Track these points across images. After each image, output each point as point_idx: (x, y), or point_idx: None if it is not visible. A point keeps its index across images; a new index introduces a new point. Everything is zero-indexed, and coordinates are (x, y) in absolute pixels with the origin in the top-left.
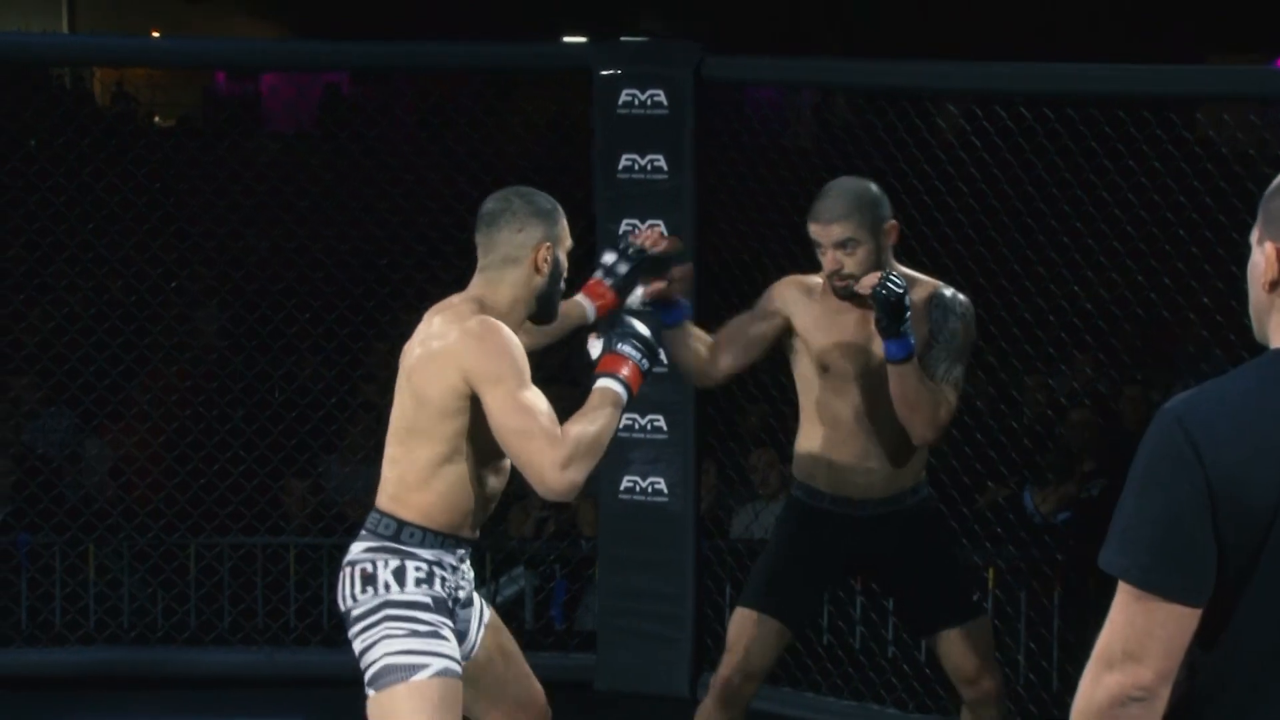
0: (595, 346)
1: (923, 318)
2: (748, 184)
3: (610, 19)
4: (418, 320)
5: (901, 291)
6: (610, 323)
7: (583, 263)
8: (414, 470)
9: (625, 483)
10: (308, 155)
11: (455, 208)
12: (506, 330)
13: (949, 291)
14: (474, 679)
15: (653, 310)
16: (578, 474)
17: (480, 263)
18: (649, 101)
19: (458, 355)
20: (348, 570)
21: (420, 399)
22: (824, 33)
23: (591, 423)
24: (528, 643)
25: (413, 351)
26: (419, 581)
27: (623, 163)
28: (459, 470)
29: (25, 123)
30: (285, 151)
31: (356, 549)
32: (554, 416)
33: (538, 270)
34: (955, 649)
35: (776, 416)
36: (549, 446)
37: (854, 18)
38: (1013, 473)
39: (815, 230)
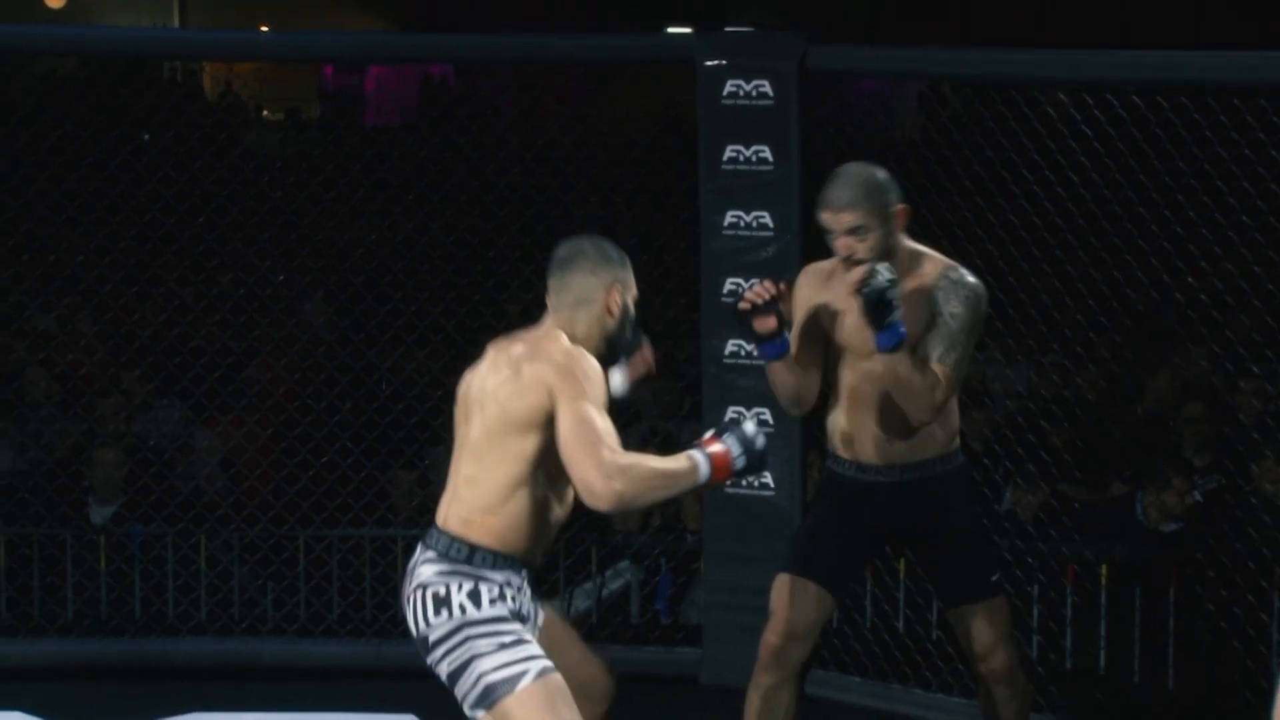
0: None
1: (927, 297)
2: None
3: (714, 10)
4: (522, 313)
5: (885, 286)
6: (730, 422)
7: (686, 254)
8: (489, 491)
9: None
10: (414, 148)
11: (560, 200)
12: (594, 360)
13: (958, 273)
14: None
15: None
16: (626, 488)
17: (552, 302)
18: (754, 92)
19: (547, 374)
20: (419, 594)
21: (505, 415)
22: (929, 21)
23: (656, 462)
24: (633, 636)
25: (492, 374)
26: (493, 601)
27: (727, 154)
28: (531, 495)
29: (138, 117)
30: (391, 144)
31: (427, 572)
32: (615, 436)
33: (609, 312)
34: (970, 624)
35: None
36: (602, 455)
37: (959, 5)
38: (1126, 468)
39: (826, 218)
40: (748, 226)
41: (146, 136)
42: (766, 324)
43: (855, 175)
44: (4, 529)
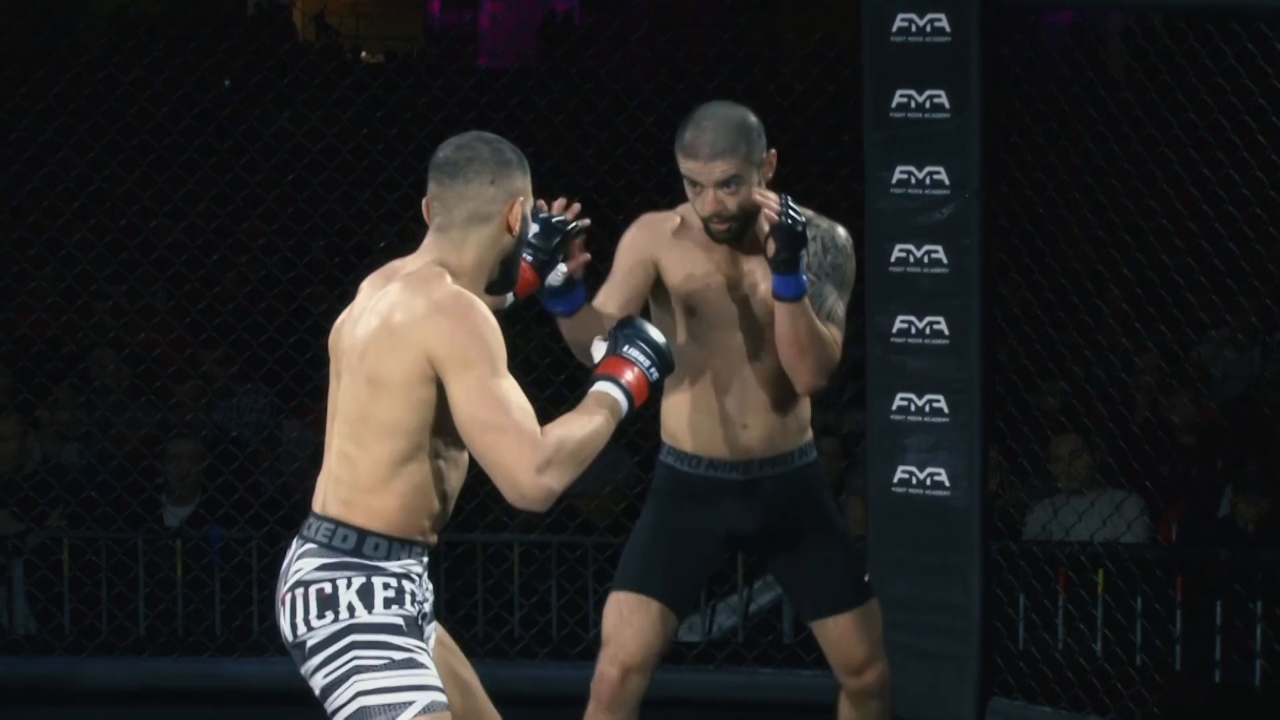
0: (599, 349)
1: None
2: (1046, 124)
3: None
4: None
5: (804, 221)
6: (619, 323)
7: (848, 216)
8: (371, 470)
9: (899, 474)
10: (533, 94)
11: None
12: (483, 306)
13: (826, 222)
14: None
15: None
16: (556, 481)
17: (437, 221)
18: (928, 28)
19: (423, 333)
20: (298, 592)
21: (376, 383)
22: None
23: (580, 427)
24: (786, 658)
25: (361, 324)
26: (388, 601)
27: (897, 100)
28: (422, 468)
29: (218, 60)
30: (508, 89)
31: (307, 566)
32: (531, 413)
33: (509, 229)
34: (843, 636)
35: (1079, 396)
36: (524, 446)
37: None
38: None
39: (692, 168)
40: (920, 183)
41: (227, 83)
42: (578, 260)
43: (726, 118)
44: (68, 532)
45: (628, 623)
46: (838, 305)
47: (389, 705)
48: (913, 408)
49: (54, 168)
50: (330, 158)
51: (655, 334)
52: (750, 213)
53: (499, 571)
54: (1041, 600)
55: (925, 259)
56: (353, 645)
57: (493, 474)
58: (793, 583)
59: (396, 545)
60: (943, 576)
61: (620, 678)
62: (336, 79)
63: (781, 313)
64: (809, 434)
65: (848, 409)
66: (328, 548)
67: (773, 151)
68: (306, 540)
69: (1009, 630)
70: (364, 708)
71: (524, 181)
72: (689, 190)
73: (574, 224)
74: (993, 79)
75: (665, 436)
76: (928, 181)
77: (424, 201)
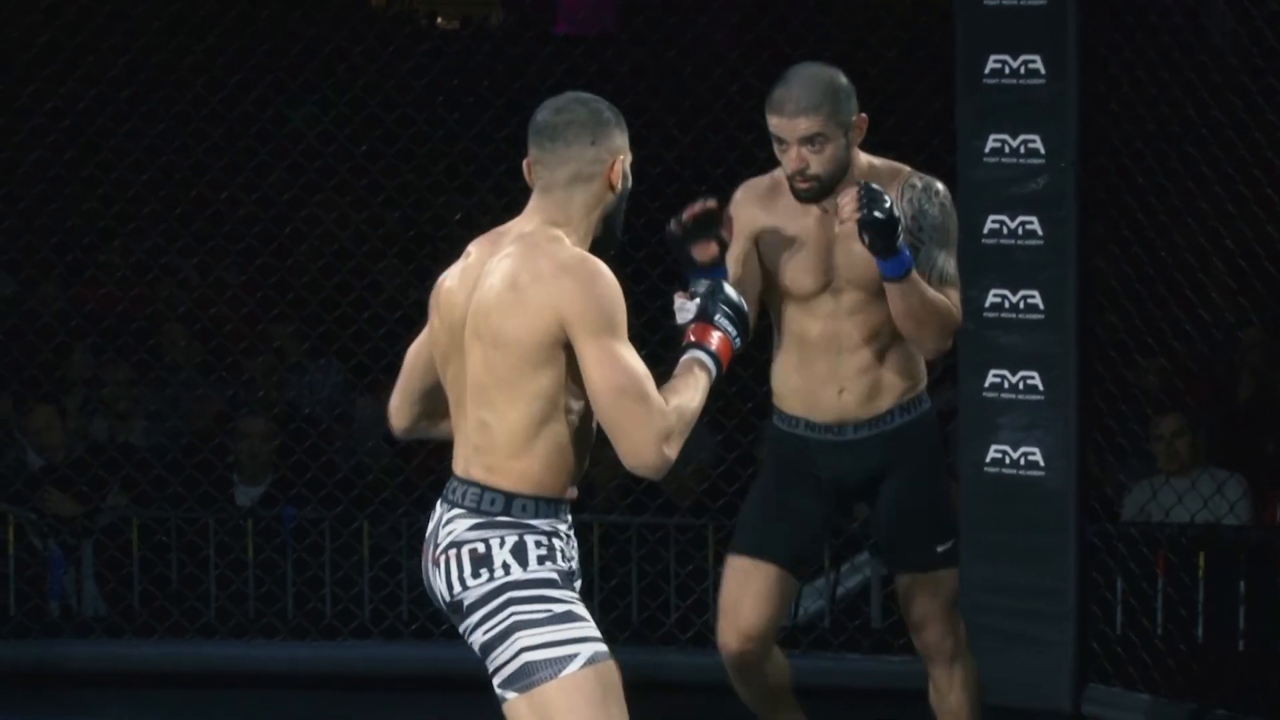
0: (686, 309)
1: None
2: (1145, 91)
3: None
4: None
5: (889, 204)
6: (706, 283)
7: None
8: (510, 436)
9: (992, 453)
10: (614, 62)
11: None
12: (607, 270)
13: (921, 178)
14: None
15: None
16: (674, 451)
17: (540, 183)
18: None
19: (552, 294)
20: (451, 553)
21: (505, 346)
22: None
23: (688, 397)
24: (874, 644)
25: (482, 287)
26: (541, 559)
27: (990, 65)
28: (561, 428)
29: (290, 28)
30: (587, 56)
31: (458, 528)
32: (653, 381)
33: (611, 187)
34: (909, 597)
35: (1181, 373)
36: (653, 416)
37: None
38: None
39: (777, 124)
40: (1014, 153)
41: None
42: (707, 251)
43: (814, 76)
44: (138, 512)
45: (744, 591)
46: (948, 264)
47: (554, 659)
48: (1006, 385)
49: (123, 139)
50: (405, 127)
51: (740, 299)
52: (837, 174)
53: (578, 553)
54: (1140, 584)
55: (1020, 230)
56: (510, 601)
57: (617, 440)
58: (878, 537)
59: (543, 504)
60: (1037, 560)
61: (739, 649)
62: (410, 46)
63: (892, 293)
64: (917, 389)
65: (939, 385)
66: (477, 511)
67: (863, 115)
68: (453, 505)
69: (1106, 615)
70: (529, 663)
71: (623, 139)
72: (776, 149)
73: (702, 215)
74: (1091, 44)
75: (774, 398)
76: (1022, 150)
77: (525, 163)
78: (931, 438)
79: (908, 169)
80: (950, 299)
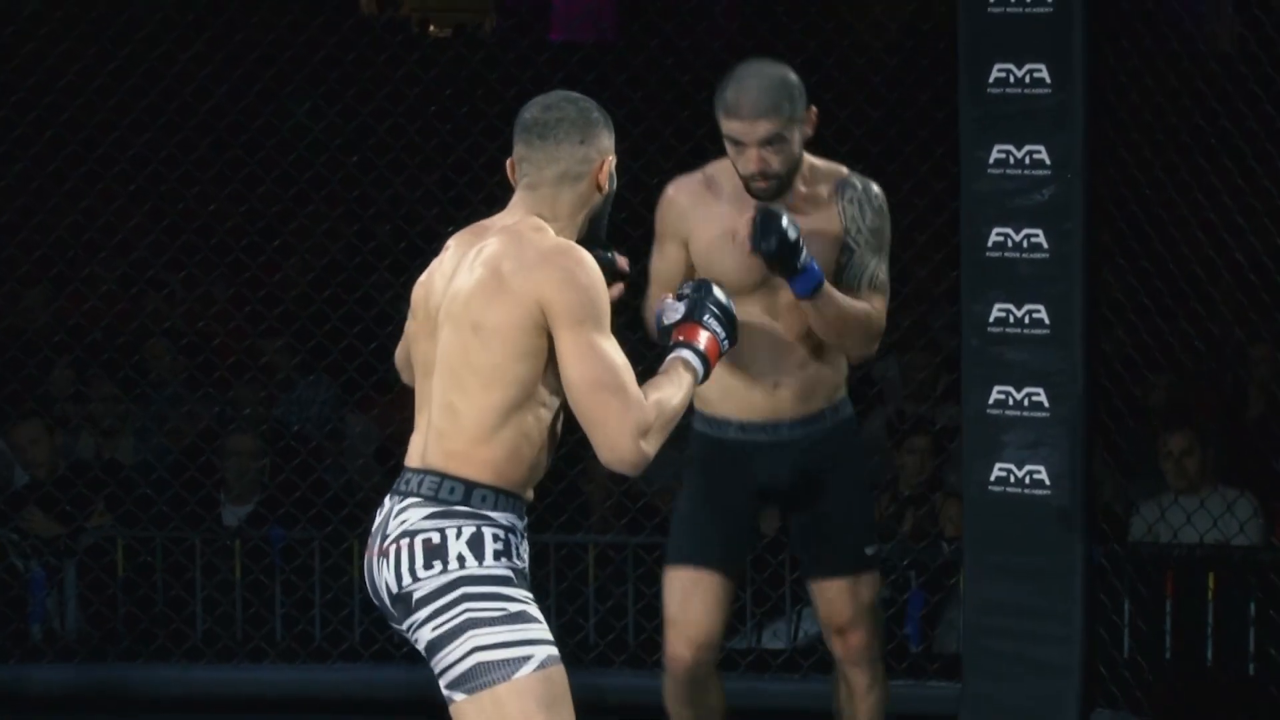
0: (673, 309)
1: (830, 214)
2: (1154, 101)
3: None
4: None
5: (784, 227)
6: (696, 285)
7: (942, 198)
8: (477, 420)
9: (997, 471)
10: (611, 69)
11: None
12: (592, 261)
13: (859, 180)
14: None
15: None
16: (652, 447)
17: (526, 180)
18: None
19: (535, 281)
20: (404, 542)
21: (483, 330)
22: None
23: (671, 395)
24: None
25: (462, 276)
26: (498, 554)
27: (995, 74)
28: (530, 417)
29: (279, 36)
30: (583, 64)
31: (412, 517)
32: (633, 374)
33: (599, 187)
34: (830, 598)
35: (1189, 389)
36: (630, 409)
37: None
38: None
39: (735, 128)
40: (1019, 163)
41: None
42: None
43: (768, 76)
44: (122, 532)
45: (691, 601)
46: (879, 270)
47: (506, 660)
48: (1011, 401)
49: (109, 149)
50: (396, 138)
51: (729, 301)
52: (792, 171)
53: (573, 574)
54: (1148, 606)
55: (1025, 243)
56: (465, 597)
57: (593, 433)
58: (798, 539)
59: (504, 497)
60: (1042, 581)
61: (693, 657)
62: (402, 55)
63: (808, 309)
64: (843, 391)
65: (942, 402)
66: (434, 500)
67: (813, 109)
68: (406, 495)
69: (1113, 638)
70: (482, 663)
71: (611, 140)
72: (730, 150)
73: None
74: (1097, 52)
75: (698, 403)
76: (1027, 161)
77: (508, 162)
78: (857, 440)
79: (846, 170)
80: (875, 305)
